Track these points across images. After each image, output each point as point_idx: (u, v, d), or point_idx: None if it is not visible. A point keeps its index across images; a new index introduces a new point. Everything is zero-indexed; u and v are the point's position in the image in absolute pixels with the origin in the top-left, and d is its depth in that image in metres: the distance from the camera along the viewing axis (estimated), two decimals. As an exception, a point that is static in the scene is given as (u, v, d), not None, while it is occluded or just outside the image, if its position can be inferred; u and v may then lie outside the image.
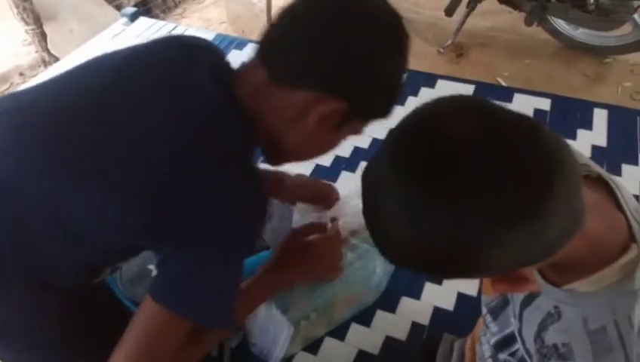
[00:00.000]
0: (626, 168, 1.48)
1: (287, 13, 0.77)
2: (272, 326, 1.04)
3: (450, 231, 0.46)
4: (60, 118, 0.78)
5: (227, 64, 0.84)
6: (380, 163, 0.51)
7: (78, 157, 0.75)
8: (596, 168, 0.66)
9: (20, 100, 0.84)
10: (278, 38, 0.76)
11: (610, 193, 0.62)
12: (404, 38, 0.76)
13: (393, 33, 0.76)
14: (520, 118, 0.49)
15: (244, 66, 0.81)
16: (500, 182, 0.45)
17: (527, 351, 0.69)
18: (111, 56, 0.86)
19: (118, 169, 0.74)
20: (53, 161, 0.75)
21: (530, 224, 0.46)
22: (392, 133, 0.53)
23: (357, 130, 0.83)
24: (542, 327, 0.65)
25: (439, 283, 1.24)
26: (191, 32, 2.13)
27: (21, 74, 3.18)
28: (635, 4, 2.59)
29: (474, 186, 0.45)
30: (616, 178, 1.37)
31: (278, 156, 0.89)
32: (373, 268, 1.11)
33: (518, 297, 0.72)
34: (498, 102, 0.51)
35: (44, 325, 0.86)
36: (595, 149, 1.53)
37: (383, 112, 0.81)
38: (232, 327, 0.83)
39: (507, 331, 0.77)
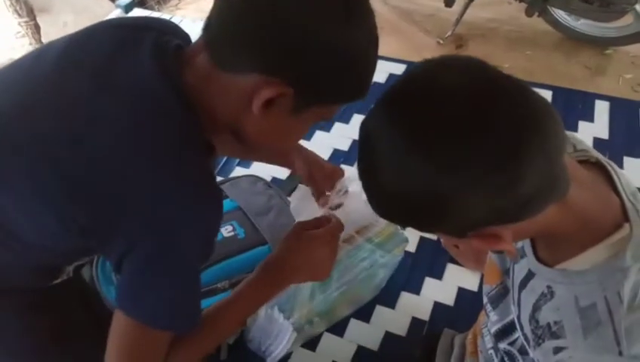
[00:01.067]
0: (628, 160, 1.47)
1: None
2: (274, 327, 1.02)
3: (429, 173, 0.50)
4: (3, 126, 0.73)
5: (175, 45, 0.74)
6: (373, 113, 0.55)
7: (9, 159, 0.71)
8: (595, 153, 0.67)
9: None
10: (217, 19, 0.68)
11: (607, 177, 0.64)
12: (357, 11, 0.66)
13: (343, 7, 0.65)
14: (509, 78, 0.52)
15: (191, 49, 0.74)
16: (480, 131, 0.48)
17: (526, 337, 0.70)
18: (48, 49, 0.79)
19: (49, 170, 0.69)
20: None
21: (504, 173, 0.49)
22: (388, 89, 0.55)
23: (325, 116, 0.75)
24: (536, 308, 0.66)
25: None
26: (186, 22, 2.10)
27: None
28: (637, -6, 2.56)
29: (454, 132, 0.49)
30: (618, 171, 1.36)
31: (241, 146, 0.82)
32: (376, 271, 1.09)
33: (516, 281, 0.73)
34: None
35: (13, 336, 0.86)
36: (597, 141, 1.52)
37: (350, 93, 0.71)
38: (194, 329, 0.77)
39: (507, 319, 0.77)
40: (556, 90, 1.68)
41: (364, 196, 0.59)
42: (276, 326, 1.02)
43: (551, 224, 0.58)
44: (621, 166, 1.43)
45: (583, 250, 0.60)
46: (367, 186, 0.57)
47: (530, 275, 0.68)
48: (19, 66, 0.79)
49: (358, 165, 0.58)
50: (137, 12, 2.17)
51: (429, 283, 1.23)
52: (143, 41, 0.72)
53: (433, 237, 1.28)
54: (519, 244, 0.73)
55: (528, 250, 0.69)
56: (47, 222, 0.71)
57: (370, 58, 0.70)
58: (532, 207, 0.53)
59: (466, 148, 0.49)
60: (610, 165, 0.65)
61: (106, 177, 0.67)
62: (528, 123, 0.49)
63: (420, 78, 0.54)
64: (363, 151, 0.56)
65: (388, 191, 0.54)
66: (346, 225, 0.93)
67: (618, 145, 1.50)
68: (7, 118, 0.72)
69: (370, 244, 1.07)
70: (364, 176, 0.57)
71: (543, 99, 0.52)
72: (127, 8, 2.16)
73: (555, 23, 2.94)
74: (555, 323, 0.62)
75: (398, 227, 1.09)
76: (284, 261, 0.87)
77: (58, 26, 3.00)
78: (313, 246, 0.87)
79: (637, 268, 0.57)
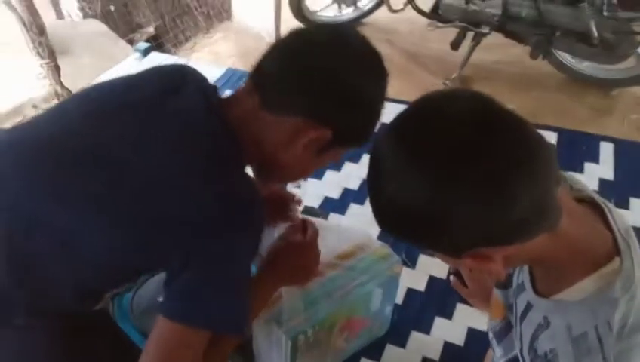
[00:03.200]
0: (633, 201, 1.49)
1: (278, 46, 0.84)
2: (272, 338, 1.04)
3: (427, 189, 0.54)
4: (64, 147, 0.81)
5: (215, 88, 0.87)
6: (383, 134, 0.61)
7: (84, 180, 0.79)
8: (590, 192, 0.71)
9: (23, 132, 0.88)
10: (269, 68, 0.82)
11: (601, 214, 0.67)
12: (382, 72, 0.83)
13: (373, 68, 0.83)
14: (507, 111, 0.57)
15: (237, 91, 0.87)
16: (476, 155, 0.53)
17: None
18: (103, 90, 0.91)
19: (123, 190, 0.77)
20: (61, 184, 0.79)
21: (496, 195, 0.53)
22: (398, 114, 0.61)
23: (336, 157, 0.90)
24: (534, 338, 0.69)
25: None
26: (202, 66, 2.18)
27: (34, 106, 3.24)
28: (638, 38, 2.63)
29: (452, 154, 0.53)
30: (624, 212, 1.38)
31: (265, 176, 0.94)
32: (370, 291, 1.10)
33: (518, 315, 0.76)
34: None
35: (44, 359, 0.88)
36: (603, 183, 1.54)
37: (363, 139, 0.86)
38: (246, 332, 0.85)
39: (511, 354, 0.80)
40: (561, 132, 1.72)
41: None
42: (273, 338, 1.03)
43: (543, 252, 0.62)
44: (627, 207, 1.46)
45: (576, 281, 0.63)
46: (373, 200, 0.62)
47: (528, 307, 0.72)
48: (77, 102, 0.91)
49: (367, 180, 0.63)
50: (154, 56, 2.25)
51: (439, 322, 1.24)
52: (188, 83, 0.86)
53: (442, 275, 1.30)
54: (520, 279, 0.76)
55: (527, 283, 0.72)
56: (113, 236, 0.77)
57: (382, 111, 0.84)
58: (522, 232, 0.57)
59: (462, 169, 0.53)
60: (605, 204, 0.68)
61: (177, 197, 0.77)
62: (522, 151, 0.54)
63: (426, 105, 0.60)
64: (371, 168, 0.62)
65: (389, 203, 0.59)
66: (339, 240, 1.05)
67: (624, 186, 1.53)
68: (74, 142, 0.81)
69: (364, 263, 1.10)
70: (370, 190, 0.62)
71: (537, 133, 0.57)
72: (145, 52, 2.24)
73: (560, 65, 3.00)
74: (551, 351, 0.65)
75: (387, 252, 1.12)
76: (271, 265, 0.96)
77: (78, 67, 3.09)
78: (297, 253, 0.97)
79: (626, 299, 0.60)
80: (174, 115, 0.82)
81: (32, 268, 0.79)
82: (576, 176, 0.70)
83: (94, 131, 0.82)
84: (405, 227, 0.60)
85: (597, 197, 0.69)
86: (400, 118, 0.60)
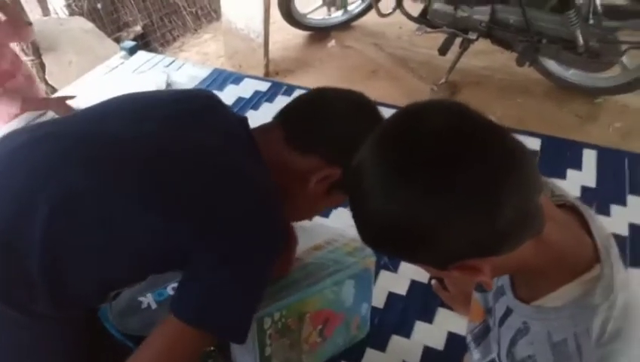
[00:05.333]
0: (614, 208, 1.49)
1: (304, 98, 0.99)
2: None
3: (412, 201, 0.54)
4: (114, 142, 0.86)
5: (245, 117, 1.00)
6: (365, 147, 0.60)
7: (140, 173, 0.83)
8: (571, 198, 0.71)
9: (68, 127, 0.94)
10: (297, 112, 0.97)
11: (582, 220, 0.67)
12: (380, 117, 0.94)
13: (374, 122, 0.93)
14: (488, 121, 0.57)
15: (265, 124, 0.98)
16: (459, 169, 0.53)
17: None
18: (150, 95, 1.01)
19: (173, 186, 0.82)
20: (108, 172, 0.83)
21: (480, 206, 0.53)
22: (379, 127, 0.61)
23: (339, 200, 0.98)
24: (512, 342, 0.70)
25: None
26: (188, 66, 2.16)
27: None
28: (623, 47, 2.66)
29: (437, 169, 0.53)
30: (605, 219, 1.39)
31: None
32: (340, 281, 1.09)
33: (497, 319, 0.76)
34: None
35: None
36: (585, 190, 1.55)
37: None
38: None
39: (489, 357, 0.80)
40: (545, 139, 1.72)
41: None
42: None
43: (528, 260, 0.62)
44: (608, 214, 1.47)
45: (557, 287, 0.64)
46: (355, 213, 0.62)
47: (508, 312, 0.72)
48: (130, 102, 0.98)
49: (348, 193, 0.62)
50: (141, 55, 2.23)
51: (419, 327, 1.23)
52: (225, 106, 1.01)
53: (423, 280, 1.30)
54: (499, 283, 0.76)
55: (507, 288, 0.72)
56: (152, 220, 0.80)
57: None
58: (509, 242, 0.57)
59: (445, 182, 0.53)
60: (586, 209, 0.69)
61: (218, 197, 0.82)
62: (504, 161, 0.54)
63: (407, 116, 0.60)
64: (353, 180, 0.61)
65: (374, 218, 0.58)
66: (313, 235, 1.08)
67: (605, 193, 1.53)
68: (135, 140, 0.87)
69: (335, 254, 1.10)
70: (352, 203, 0.62)
71: (518, 142, 0.57)
72: (132, 51, 2.22)
73: (546, 72, 3.03)
74: (529, 357, 0.66)
75: (359, 245, 1.11)
76: None
77: (63, 65, 3.06)
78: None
79: (605, 306, 0.60)
80: (217, 129, 0.92)
81: (63, 253, 0.80)
82: (559, 182, 0.71)
83: (145, 130, 0.88)
84: (390, 242, 0.60)
85: (578, 203, 0.70)
86: (382, 132, 0.60)
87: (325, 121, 0.93)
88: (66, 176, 0.82)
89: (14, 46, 1.99)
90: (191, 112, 0.94)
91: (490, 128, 0.56)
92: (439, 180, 0.53)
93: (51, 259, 0.80)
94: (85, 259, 0.82)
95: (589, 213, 0.68)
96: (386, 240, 0.60)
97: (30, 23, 2.01)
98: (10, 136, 0.94)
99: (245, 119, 0.99)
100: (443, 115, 0.57)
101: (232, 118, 0.98)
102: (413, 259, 0.63)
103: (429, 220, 0.54)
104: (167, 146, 0.86)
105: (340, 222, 1.12)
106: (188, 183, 0.82)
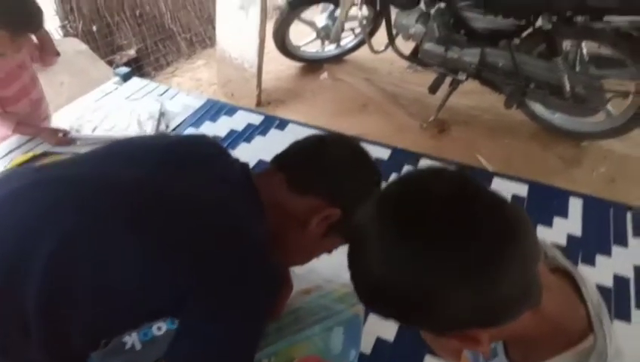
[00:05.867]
0: (599, 258, 1.51)
1: (301, 143, 1.01)
2: None
3: (414, 270, 0.54)
4: (109, 184, 0.87)
5: (247, 165, 1.02)
6: (366, 210, 0.60)
7: (135, 216, 0.82)
8: (563, 262, 0.72)
9: (67, 171, 0.94)
10: (297, 156, 1.00)
11: (574, 285, 0.68)
12: (379, 179, 1.00)
13: (375, 174, 1.00)
14: (490, 192, 0.58)
15: (263, 170, 1.00)
16: (463, 238, 0.53)
17: None
18: (151, 140, 1.04)
19: (169, 232, 0.81)
20: (108, 215, 0.82)
21: (482, 279, 0.53)
22: (381, 191, 0.62)
23: (335, 244, 1.00)
24: None
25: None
26: (181, 95, 2.17)
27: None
28: (608, 95, 2.73)
29: (440, 238, 0.54)
30: (589, 269, 1.39)
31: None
32: (329, 328, 1.09)
33: None
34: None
35: None
36: (571, 238, 1.56)
37: None
38: None
39: None
40: (532, 185, 1.75)
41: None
42: None
43: (524, 329, 0.62)
44: (593, 264, 1.48)
45: (551, 356, 0.64)
46: (355, 275, 0.62)
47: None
48: (131, 146, 0.99)
49: (348, 254, 0.63)
50: (135, 81, 2.24)
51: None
52: (227, 153, 1.03)
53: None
54: (492, 344, 0.76)
55: (500, 350, 0.73)
56: (155, 274, 0.79)
57: None
58: (509, 312, 0.58)
59: (447, 249, 0.54)
60: (577, 274, 0.70)
61: (216, 248, 0.81)
62: (505, 233, 0.55)
63: (410, 182, 0.61)
64: (354, 242, 0.62)
65: (373, 282, 0.59)
66: (302, 280, 1.09)
67: (590, 242, 1.56)
68: (136, 185, 0.87)
69: (325, 300, 1.10)
70: (352, 265, 0.62)
71: (519, 211, 0.58)
72: (126, 77, 2.23)
73: (533, 115, 3.09)
74: None
75: (349, 291, 1.11)
76: None
77: (55, 86, 3.05)
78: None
79: None
80: (218, 176, 0.93)
81: (61, 299, 0.78)
82: (546, 230, 0.73)
83: (146, 182, 0.88)
84: (389, 307, 0.60)
85: (570, 266, 0.71)
86: (384, 196, 0.61)
87: (325, 165, 0.97)
88: (64, 221, 0.81)
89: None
90: (193, 159, 0.96)
91: (491, 198, 0.57)
92: (441, 249, 0.54)
93: (49, 305, 0.78)
94: (82, 305, 0.80)
95: (581, 277, 0.70)
96: (385, 306, 0.61)
97: (58, 54, 2.05)
98: (10, 177, 0.93)
99: (247, 165, 1.01)
100: (446, 184, 0.58)
101: (233, 165, 1.00)
102: (410, 325, 0.63)
103: (428, 290, 0.55)
104: (166, 195, 0.86)
105: (330, 265, 1.12)
106: (186, 234, 0.82)
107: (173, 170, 0.91)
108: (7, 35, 1.71)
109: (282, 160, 1.01)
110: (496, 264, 0.54)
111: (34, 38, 1.92)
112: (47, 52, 2.00)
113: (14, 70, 1.90)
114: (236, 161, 1.02)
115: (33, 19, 1.77)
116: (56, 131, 1.86)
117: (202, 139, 1.08)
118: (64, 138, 1.83)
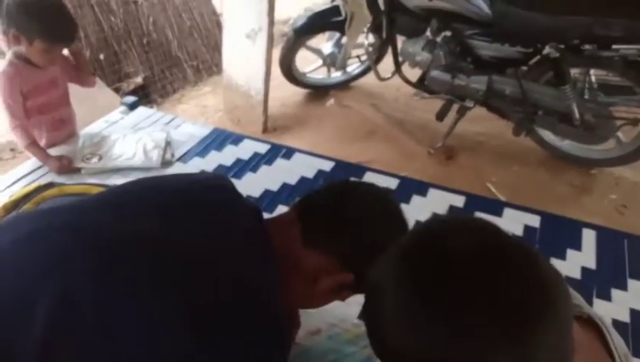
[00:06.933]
0: (615, 293, 1.47)
1: (329, 190, 0.98)
2: None
3: (437, 337, 0.50)
4: (114, 238, 0.83)
5: (260, 209, 0.99)
6: (385, 270, 0.56)
7: (138, 275, 0.79)
8: (587, 309, 0.69)
9: (64, 217, 0.90)
10: (317, 211, 0.94)
11: (600, 336, 0.65)
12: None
13: (399, 231, 0.90)
14: (519, 245, 0.54)
15: (281, 216, 0.99)
16: (495, 307, 0.49)
17: None
18: (160, 184, 0.99)
19: (174, 281, 0.79)
20: (109, 276, 0.78)
21: (518, 352, 0.48)
22: (398, 245, 0.58)
23: (344, 297, 0.96)
24: None
25: None
26: (188, 125, 2.17)
27: (12, 149, 3.19)
28: (618, 123, 2.70)
29: (469, 306, 0.49)
30: (605, 304, 1.35)
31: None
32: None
33: None
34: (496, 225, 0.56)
35: None
36: (585, 271, 1.52)
37: None
38: None
39: None
40: (544, 216, 1.72)
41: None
42: None
43: None
44: (609, 299, 1.44)
45: None
46: (375, 339, 0.59)
47: None
48: (137, 192, 0.96)
49: (366, 313, 0.59)
50: (141, 111, 2.24)
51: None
52: (239, 197, 1.00)
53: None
54: None
55: None
56: (155, 331, 0.76)
57: None
58: None
59: (478, 318, 0.49)
60: (603, 323, 0.67)
61: (221, 306, 0.79)
62: (540, 296, 0.50)
63: (432, 237, 0.56)
64: (369, 302, 0.58)
65: (392, 345, 0.55)
66: (312, 318, 1.07)
67: (605, 276, 1.51)
68: (138, 238, 0.84)
69: (335, 341, 1.08)
70: (370, 324, 0.59)
71: (552, 269, 0.53)
72: (133, 106, 2.23)
73: (541, 142, 3.06)
74: None
75: (362, 332, 1.07)
76: None
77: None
78: None
79: None
80: (229, 226, 0.91)
81: (61, 354, 0.75)
82: (559, 263, 0.69)
83: (150, 235, 0.85)
84: None
85: (595, 315, 0.68)
86: (402, 250, 0.57)
87: (346, 227, 0.91)
88: (67, 278, 0.78)
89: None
90: (204, 207, 0.93)
91: (522, 257, 0.53)
92: (470, 316, 0.49)
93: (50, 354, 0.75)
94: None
95: (607, 328, 0.66)
96: None
97: (94, 74, 2.16)
98: (15, 221, 0.91)
99: (259, 211, 0.98)
100: (468, 240, 0.54)
101: (245, 211, 0.97)
102: None
103: (456, 358, 0.50)
104: (179, 249, 0.83)
105: (341, 303, 1.09)
106: (195, 294, 0.79)
107: (184, 220, 0.88)
108: (42, 46, 1.76)
109: (302, 208, 0.97)
110: (528, 335, 0.49)
111: (69, 54, 1.98)
112: (83, 70, 2.05)
113: (44, 84, 1.94)
114: (249, 206, 0.99)
115: (68, 30, 1.83)
116: (60, 159, 1.85)
117: (215, 182, 1.04)
118: (68, 166, 1.83)
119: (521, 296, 0.49)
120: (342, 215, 0.92)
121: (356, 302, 0.60)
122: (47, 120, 1.99)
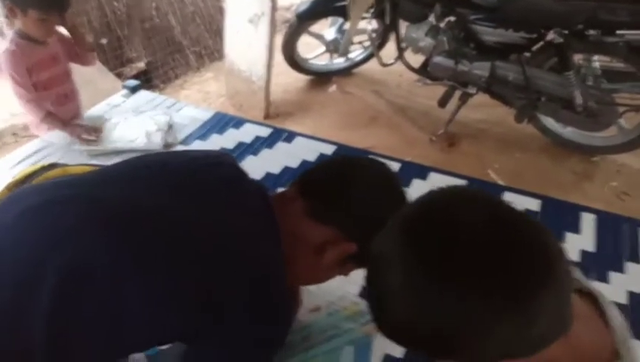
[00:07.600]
0: (612, 275, 1.48)
1: (328, 165, 1.00)
2: None
3: (445, 306, 0.51)
4: (125, 211, 0.84)
5: (265, 187, 1.00)
6: (389, 241, 0.56)
7: (157, 245, 0.81)
8: (587, 284, 0.70)
9: (73, 190, 0.91)
10: (319, 184, 0.96)
11: (599, 309, 0.66)
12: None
13: (399, 200, 0.91)
14: (522, 216, 0.54)
15: (283, 193, 0.99)
16: (498, 271, 0.50)
17: None
18: (166, 159, 1.00)
19: (184, 257, 0.81)
20: (121, 249, 0.80)
21: (520, 315, 0.50)
22: (402, 215, 0.58)
23: (348, 271, 0.96)
24: None
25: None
26: (190, 108, 2.17)
27: (14, 134, 3.20)
28: (621, 109, 2.69)
29: (473, 269, 0.50)
30: (603, 286, 1.36)
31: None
32: (339, 348, 1.07)
33: None
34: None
35: None
36: (584, 254, 1.53)
37: None
38: None
39: None
40: (545, 200, 1.72)
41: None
42: None
43: (552, 357, 0.59)
44: (606, 281, 1.45)
45: None
46: (376, 307, 0.58)
47: None
48: (150, 168, 0.98)
49: (368, 287, 0.59)
50: (143, 94, 2.24)
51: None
52: (244, 175, 1.00)
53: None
54: None
55: None
56: (165, 304, 0.79)
57: None
58: (543, 344, 0.55)
59: (483, 286, 0.50)
60: (601, 297, 0.68)
61: (228, 274, 0.82)
62: (544, 266, 0.52)
63: (437, 208, 0.57)
64: (374, 274, 0.58)
65: (399, 317, 0.55)
66: (313, 296, 1.08)
67: (604, 259, 1.52)
68: (153, 210, 0.85)
69: (335, 318, 1.08)
70: (373, 296, 0.59)
71: (553, 240, 0.54)
72: (134, 90, 2.23)
73: (543, 129, 3.06)
74: None
75: (360, 309, 1.09)
76: None
77: (62, 98, 3.06)
78: None
79: None
80: (236, 203, 0.92)
81: (70, 326, 0.77)
82: None
83: (167, 200, 0.88)
84: (415, 340, 0.57)
85: (594, 289, 0.69)
86: (406, 220, 0.57)
87: (348, 199, 0.92)
88: (78, 247, 0.79)
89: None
90: (213, 186, 0.94)
91: (527, 227, 0.54)
92: (475, 286, 0.50)
93: (57, 332, 0.76)
94: (91, 333, 0.78)
95: (605, 301, 0.67)
96: (409, 339, 0.57)
97: (93, 50, 2.18)
98: (21, 194, 0.91)
99: (263, 188, 0.99)
100: (475, 211, 0.54)
101: (251, 189, 0.98)
102: (433, 358, 0.60)
103: (463, 327, 0.51)
104: (189, 225, 0.85)
105: (341, 281, 1.09)
106: (203, 271, 0.81)
107: (192, 197, 0.89)
108: (37, 15, 1.81)
109: (305, 184, 0.97)
110: (533, 301, 0.51)
111: (65, 31, 2.03)
112: (81, 46, 2.09)
113: (46, 60, 1.99)
114: (254, 184, 1.00)
115: None
116: (79, 124, 1.92)
117: (221, 159, 1.05)
118: (87, 130, 1.88)
119: (524, 267, 0.51)
120: (344, 186, 0.93)
121: (355, 282, 0.61)
122: (52, 95, 2.05)
